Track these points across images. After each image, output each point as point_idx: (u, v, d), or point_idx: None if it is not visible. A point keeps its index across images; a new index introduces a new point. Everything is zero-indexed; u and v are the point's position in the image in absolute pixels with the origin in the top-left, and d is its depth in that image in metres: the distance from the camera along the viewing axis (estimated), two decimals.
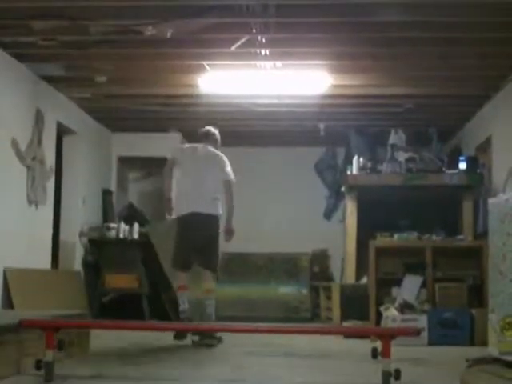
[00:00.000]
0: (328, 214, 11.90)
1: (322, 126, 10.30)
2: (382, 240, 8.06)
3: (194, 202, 6.71)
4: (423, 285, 7.55)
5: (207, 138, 7.14)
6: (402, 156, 9.11)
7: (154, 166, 11.97)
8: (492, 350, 4.48)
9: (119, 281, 9.49)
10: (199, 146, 7.08)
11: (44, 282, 8.13)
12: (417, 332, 4.89)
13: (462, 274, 7.60)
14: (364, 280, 8.40)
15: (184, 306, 6.75)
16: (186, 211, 6.75)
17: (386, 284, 7.67)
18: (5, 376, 4.35)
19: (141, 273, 9.57)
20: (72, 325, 5.23)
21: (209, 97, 8.76)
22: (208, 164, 6.90)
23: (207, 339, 6.46)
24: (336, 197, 11.55)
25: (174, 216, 6.97)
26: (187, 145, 7.78)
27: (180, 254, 6.88)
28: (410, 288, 7.57)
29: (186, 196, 6.77)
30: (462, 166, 8.93)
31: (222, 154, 7.02)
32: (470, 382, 3.76)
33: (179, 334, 6.54)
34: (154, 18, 6.24)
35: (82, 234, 9.78)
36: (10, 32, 6.69)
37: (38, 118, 8.14)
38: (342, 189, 9.82)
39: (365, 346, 5.38)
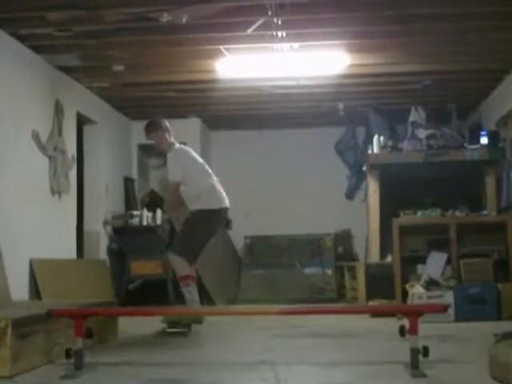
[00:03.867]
0: (350, 194, 11.87)
1: (341, 105, 10.26)
2: (406, 218, 8.01)
3: None
4: (448, 261, 7.51)
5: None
6: (422, 133, 9.07)
7: None
8: None
9: (144, 267, 9.54)
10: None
11: (70, 271, 8.18)
12: (444, 308, 4.88)
13: (486, 249, 7.54)
14: (388, 259, 8.39)
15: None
16: None
17: (411, 262, 7.64)
18: (37, 365, 4.42)
19: (165, 259, 9.58)
20: (100, 312, 5.27)
21: (227, 81, 8.74)
22: None
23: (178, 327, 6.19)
24: (357, 176, 11.51)
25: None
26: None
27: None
28: (434, 265, 7.55)
29: None
30: (483, 140, 8.88)
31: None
32: (499, 357, 3.74)
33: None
34: (169, 5, 6.23)
35: (106, 223, 9.83)
36: (25, 24, 6.72)
37: (58, 109, 8.17)
38: (364, 168, 9.80)
39: (391, 324, 5.39)
